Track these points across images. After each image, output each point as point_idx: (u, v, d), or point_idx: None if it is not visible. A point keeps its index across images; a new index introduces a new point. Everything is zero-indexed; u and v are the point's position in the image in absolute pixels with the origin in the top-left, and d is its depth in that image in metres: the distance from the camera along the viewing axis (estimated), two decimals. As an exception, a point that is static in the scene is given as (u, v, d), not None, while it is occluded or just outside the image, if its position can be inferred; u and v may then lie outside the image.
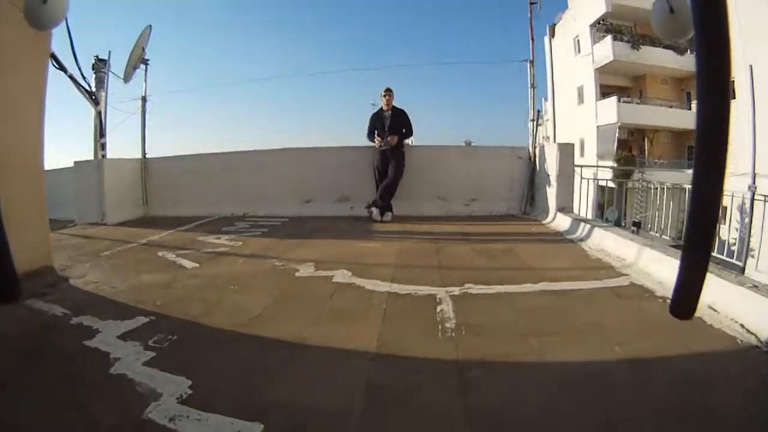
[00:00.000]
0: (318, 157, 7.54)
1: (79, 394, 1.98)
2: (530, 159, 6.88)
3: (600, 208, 24.11)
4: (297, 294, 3.41)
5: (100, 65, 7.26)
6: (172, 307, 3.05)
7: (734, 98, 20.88)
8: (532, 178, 6.84)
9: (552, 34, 32.12)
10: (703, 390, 1.91)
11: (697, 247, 1.30)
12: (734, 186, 7.93)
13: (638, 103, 23.97)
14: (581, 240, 4.94)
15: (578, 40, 27.39)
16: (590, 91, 25.82)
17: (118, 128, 7.69)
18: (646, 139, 25.32)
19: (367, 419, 1.80)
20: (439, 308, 2.93)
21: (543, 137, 42.92)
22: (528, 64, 7.26)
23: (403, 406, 1.90)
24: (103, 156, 7.29)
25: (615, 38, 23.98)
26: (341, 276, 3.74)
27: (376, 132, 6.65)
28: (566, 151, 6.25)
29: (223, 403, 1.86)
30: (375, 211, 6.48)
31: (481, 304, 3.03)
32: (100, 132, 7.30)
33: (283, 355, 2.37)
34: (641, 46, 23.75)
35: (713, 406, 1.79)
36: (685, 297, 1.33)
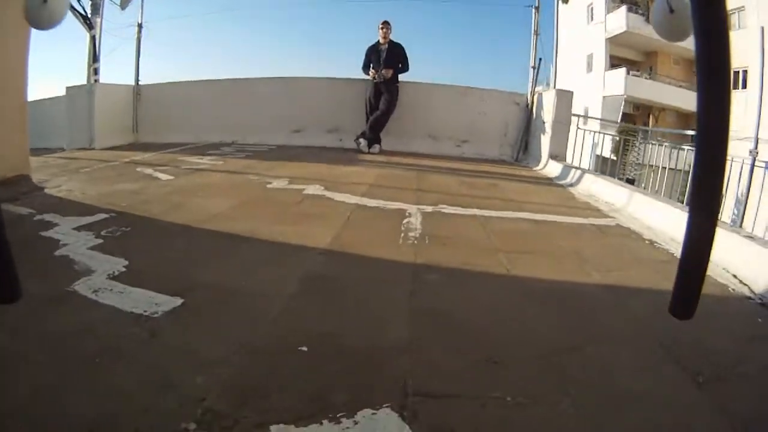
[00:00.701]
0: (310, 87, 7.24)
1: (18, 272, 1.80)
2: (527, 106, 6.59)
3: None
4: (264, 200, 3.28)
5: None
6: (135, 207, 2.98)
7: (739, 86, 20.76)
8: (528, 125, 6.55)
9: (565, 0, 31.42)
10: (692, 327, 1.71)
11: (699, 244, 1.09)
12: (734, 150, 7.66)
13: (647, 78, 23.49)
14: (571, 185, 4.71)
15: (592, 8, 26.64)
16: (600, 60, 25.28)
17: (117, 55, 7.45)
18: (651, 116, 24.95)
19: (293, 303, 1.66)
20: (405, 220, 2.73)
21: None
22: (533, 11, 6.95)
23: (338, 296, 1.74)
24: (96, 81, 7.10)
25: (630, 9, 23.35)
26: (313, 189, 3.58)
27: (371, 65, 6.33)
28: (564, 98, 5.96)
29: (151, 280, 1.78)
30: (363, 142, 6.24)
31: (452, 221, 2.84)
32: (94, 57, 7.10)
33: (228, 245, 2.26)
34: None
35: (706, 344, 1.61)
36: (686, 297, 1.12)
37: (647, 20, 22.87)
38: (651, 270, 2.25)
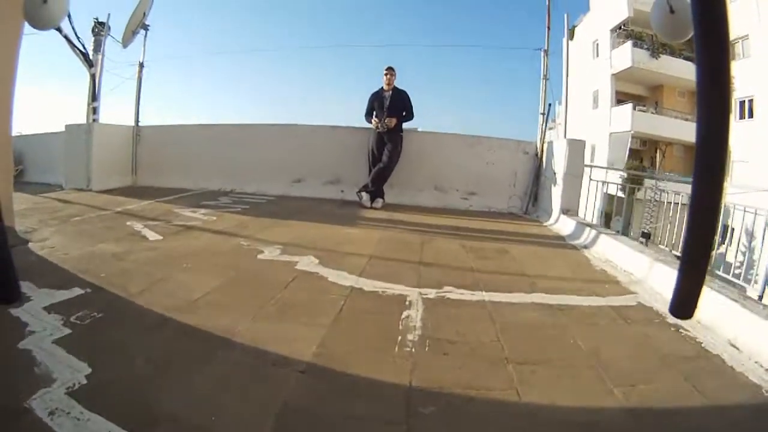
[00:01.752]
0: (310, 135, 7.08)
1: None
2: (537, 155, 6.36)
3: (606, 217, 23.81)
4: (250, 279, 3.00)
5: (100, 28, 7.10)
6: (113, 281, 2.79)
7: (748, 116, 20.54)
8: (538, 175, 6.32)
9: (571, 37, 31.62)
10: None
11: (698, 247, 1.23)
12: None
13: (653, 113, 23.44)
14: (585, 247, 4.41)
15: (597, 44, 26.93)
16: (606, 96, 25.37)
17: (117, 95, 7.43)
18: (658, 151, 24.78)
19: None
20: (405, 313, 2.43)
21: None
22: (542, 54, 6.73)
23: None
24: (95, 120, 7.08)
25: (635, 44, 23.45)
26: (306, 263, 3.30)
27: (374, 113, 6.13)
28: (576, 148, 5.70)
29: (111, 404, 1.58)
30: (365, 196, 6.02)
31: (458, 313, 2.52)
32: (93, 96, 7.07)
33: (202, 350, 2.00)
34: (661, 54, 23.17)
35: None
36: (685, 296, 1.26)
37: (652, 55, 22.96)
38: (679, 376, 1.96)
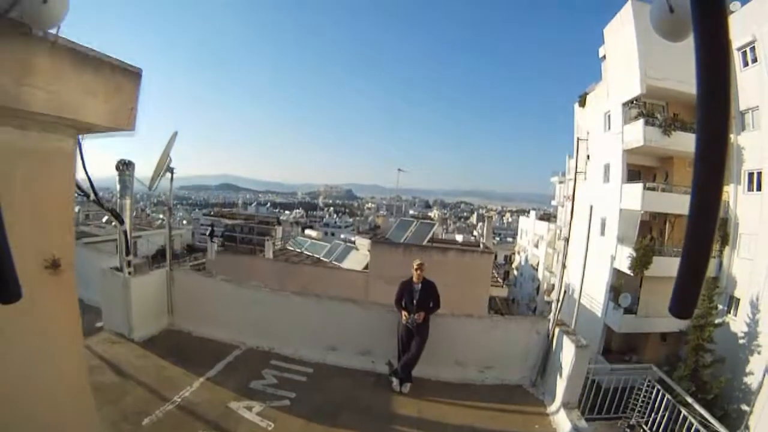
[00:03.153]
0: (345, 309, 7.84)
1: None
2: (548, 336, 7.15)
3: (614, 291, 24.44)
4: None
5: (124, 168, 7.30)
6: None
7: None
8: (548, 352, 7.08)
9: (582, 104, 32.45)
10: None
11: (698, 248, 1.33)
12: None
13: (663, 190, 24.01)
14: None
15: (609, 116, 27.82)
16: (617, 171, 26.12)
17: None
18: (667, 223, 25.43)
19: None
20: None
21: (564, 197, 43.07)
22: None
23: None
24: (130, 273, 7.50)
25: (647, 123, 24.14)
26: None
27: (404, 302, 6.97)
28: (582, 354, 6.41)
29: None
30: (395, 381, 6.84)
31: None
32: (126, 250, 7.43)
33: None
34: (672, 132, 23.85)
35: None
36: (685, 297, 1.36)
37: (665, 132, 23.61)
38: None
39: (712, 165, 1.26)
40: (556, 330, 7.04)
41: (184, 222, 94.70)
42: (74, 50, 2.87)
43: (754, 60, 21.19)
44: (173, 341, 7.54)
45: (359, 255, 20.30)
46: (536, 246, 52.51)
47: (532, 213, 61.25)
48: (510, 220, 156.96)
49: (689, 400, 6.67)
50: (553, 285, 40.39)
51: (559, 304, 7.21)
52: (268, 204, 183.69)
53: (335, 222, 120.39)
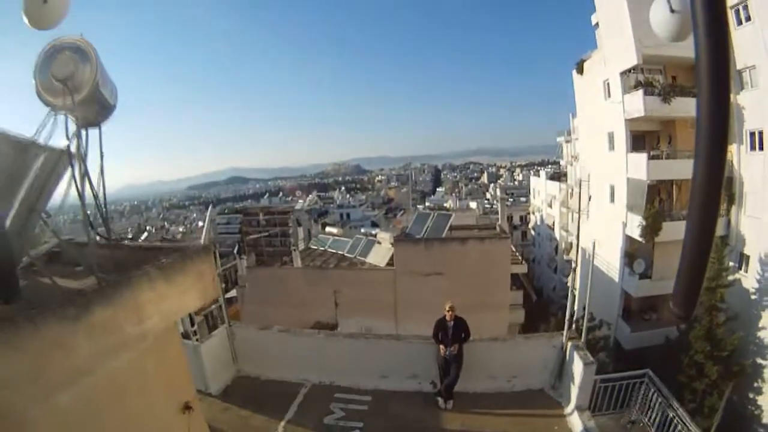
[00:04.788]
0: (390, 344, 9.12)
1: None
2: (562, 348, 8.29)
3: (628, 257, 25.33)
4: None
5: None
6: None
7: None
8: (563, 360, 8.29)
9: (580, 71, 32.73)
10: None
11: (697, 249, 1.35)
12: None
13: (668, 156, 24.66)
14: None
15: (608, 84, 28.10)
16: (621, 140, 26.66)
17: None
18: (674, 186, 25.98)
19: None
20: None
21: (572, 156, 43.43)
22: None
23: None
24: (198, 341, 8.47)
25: (646, 93, 24.41)
26: None
27: (440, 336, 8.20)
28: (589, 369, 7.52)
29: None
30: (441, 400, 8.18)
31: None
32: (191, 321, 8.37)
33: None
34: (672, 99, 24.07)
35: None
36: (685, 297, 1.39)
37: (664, 100, 23.90)
38: None
39: (711, 170, 1.28)
40: (569, 344, 8.22)
41: (200, 224, 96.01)
42: (172, 269, 3.75)
43: (748, 18, 21.17)
44: (246, 389, 8.69)
45: (382, 249, 21.29)
46: (550, 206, 52.73)
47: (542, 173, 61.24)
48: (521, 177, 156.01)
49: (675, 404, 7.76)
50: (571, 243, 41.06)
51: (569, 319, 8.30)
52: (281, 194, 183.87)
53: (349, 202, 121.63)
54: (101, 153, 3.50)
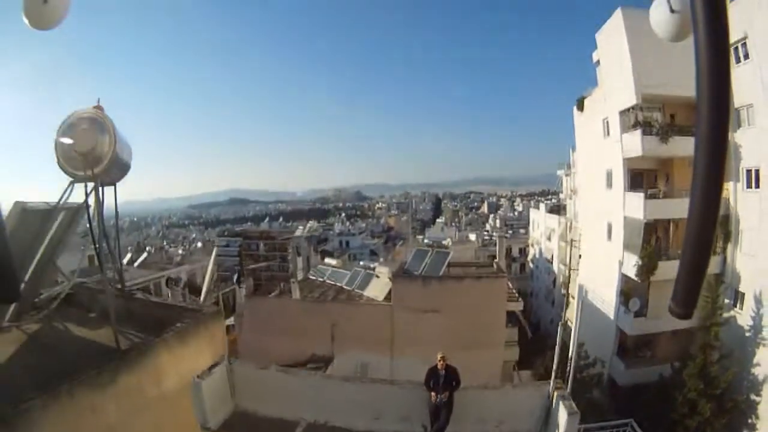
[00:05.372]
0: (385, 387, 9.25)
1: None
2: (548, 396, 8.41)
3: (624, 296, 25.49)
4: None
5: (172, 283, 8.82)
6: None
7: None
8: (549, 408, 8.40)
9: (581, 108, 33.32)
10: None
11: (698, 248, 1.36)
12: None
13: (665, 195, 25.03)
14: None
15: (607, 122, 28.64)
16: (618, 178, 27.03)
17: None
18: (671, 224, 26.24)
19: None
20: None
21: (571, 189, 43.84)
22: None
23: None
24: (199, 377, 8.23)
25: (644, 132, 24.77)
26: None
27: (432, 383, 8.34)
28: (573, 419, 7.58)
29: None
30: (429, 452, 8.28)
31: None
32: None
33: None
34: (670, 139, 24.42)
35: None
36: (685, 297, 1.41)
37: (662, 140, 24.26)
38: None
39: (712, 163, 1.28)
40: (555, 393, 8.34)
41: (199, 245, 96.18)
42: (187, 333, 4.01)
43: (746, 56, 21.55)
44: (244, 425, 8.79)
45: (380, 282, 21.40)
46: (549, 239, 53.13)
47: (542, 206, 61.93)
48: (521, 208, 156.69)
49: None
50: (569, 277, 41.27)
51: (556, 369, 8.43)
52: (281, 218, 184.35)
53: (348, 230, 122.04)
54: (116, 212, 3.77)
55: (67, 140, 3.13)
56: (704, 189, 1.34)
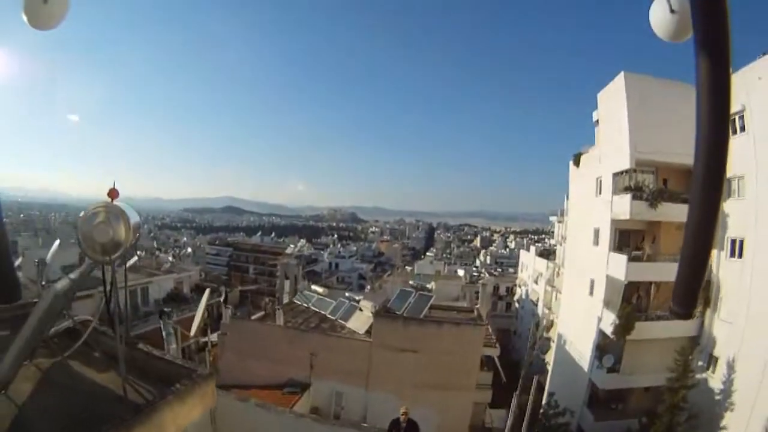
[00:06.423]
0: None
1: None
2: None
3: (600, 350, 25.99)
4: None
5: (165, 316, 9.08)
6: None
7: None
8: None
9: (577, 163, 34.14)
10: None
11: (698, 247, 1.36)
12: None
13: (648, 258, 25.52)
14: None
15: (600, 182, 29.31)
16: (605, 237, 27.59)
17: None
18: (653, 285, 26.78)
19: None
20: None
21: (561, 236, 44.54)
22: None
23: None
24: None
25: (634, 197, 25.26)
26: None
27: None
28: None
29: None
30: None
31: None
32: None
33: None
34: (659, 205, 24.88)
35: None
36: (685, 296, 1.40)
37: (651, 205, 24.82)
38: None
39: (712, 164, 1.26)
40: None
41: (189, 250, 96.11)
42: (185, 392, 4.50)
43: (743, 128, 21.96)
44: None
45: (363, 316, 21.88)
46: (536, 282, 53.61)
47: (532, 249, 62.67)
48: (513, 245, 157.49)
49: None
50: (552, 321, 41.74)
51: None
52: (273, 234, 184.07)
53: (339, 251, 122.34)
54: (125, 275, 4.33)
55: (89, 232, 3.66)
56: (704, 191, 1.40)
